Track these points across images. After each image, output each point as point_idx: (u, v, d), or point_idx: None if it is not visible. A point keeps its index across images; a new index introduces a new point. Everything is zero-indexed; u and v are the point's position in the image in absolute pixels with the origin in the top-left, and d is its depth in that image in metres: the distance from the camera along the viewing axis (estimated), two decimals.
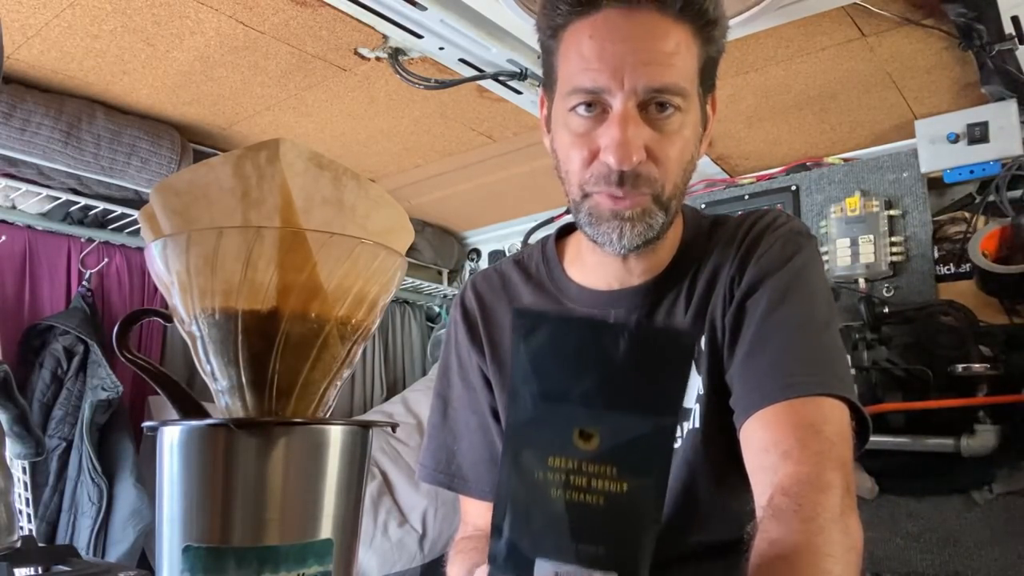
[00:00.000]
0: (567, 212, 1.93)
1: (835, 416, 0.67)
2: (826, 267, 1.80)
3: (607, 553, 0.38)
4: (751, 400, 0.69)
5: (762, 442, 0.66)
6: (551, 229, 0.98)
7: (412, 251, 2.45)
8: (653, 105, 0.69)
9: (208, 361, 0.44)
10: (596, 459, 0.38)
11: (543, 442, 0.38)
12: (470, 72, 1.46)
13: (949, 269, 1.71)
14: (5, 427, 0.69)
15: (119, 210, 1.82)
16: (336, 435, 0.42)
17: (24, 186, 1.65)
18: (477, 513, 0.89)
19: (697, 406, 0.78)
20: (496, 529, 0.39)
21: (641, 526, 0.38)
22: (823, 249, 1.82)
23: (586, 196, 0.73)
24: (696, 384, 0.79)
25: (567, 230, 0.92)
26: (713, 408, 0.77)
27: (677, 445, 0.79)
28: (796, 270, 0.75)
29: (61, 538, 1.62)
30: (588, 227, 0.75)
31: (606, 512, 0.38)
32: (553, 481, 0.38)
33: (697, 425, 0.78)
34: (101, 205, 1.79)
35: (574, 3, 0.70)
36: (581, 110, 0.71)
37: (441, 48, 1.37)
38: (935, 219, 1.74)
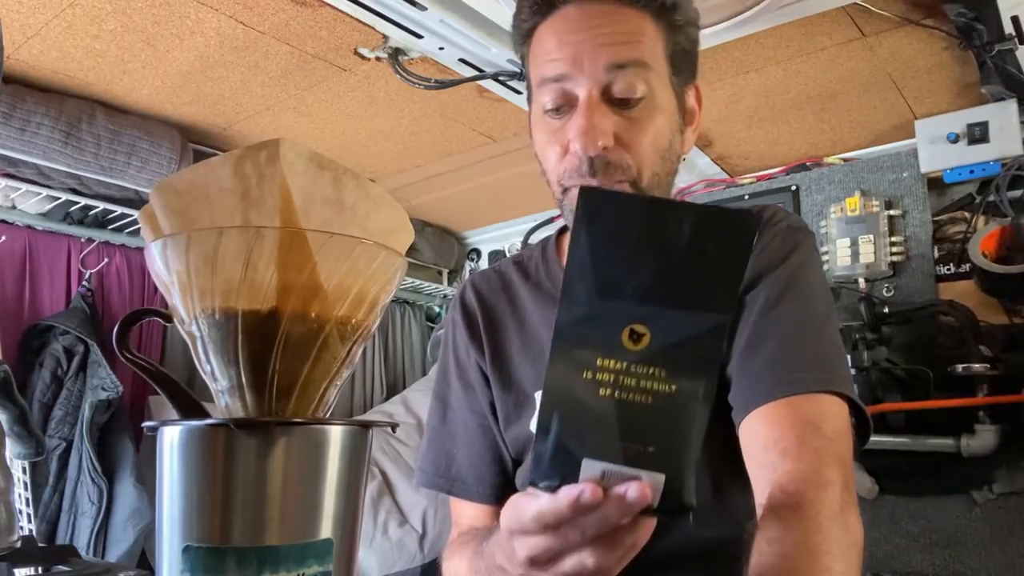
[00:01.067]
0: None
1: (834, 413, 0.67)
2: (826, 267, 1.80)
3: (654, 453, 0.38)
4: (750, 396, 0.69)
5: (761, 439, 0.66)
6: (551, 229, 0.98)
7: (412, 251, 2.45)
8: (618, 92, 0.70)
9: (208, 361, 0.44)
10: (646, 360, 0.38)
11: (593, 342, 0.38)
12: (470, 72, 1.46)
13: (949, 269, 1.71)
14: (5, 427, 0.69)
15: (119, 210, 1.82)
16: (336, 435, 0.42)
17: (24, 186, 1.65)
18: (473, 516, 0.88)
19: None
20: (543, 429, 0.39)
21: (689, 427, 0.38)
22: (823, 249, 1.82)
23: (565, 191, 0.75)
24: None
25: (568, 228, 0.92)
26: (713, 402, 0.77)
27: None
28: (795, 266, 0.75)
29: (61, 538, 1.62)
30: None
31: (654, 412, 0.37)
32: (602, 381, 0.38)
33: None
34: (101, 205, 1.79)
35: (533, 6, 0.74)
36: (551, 107, 0.72)
37: (441, 48, 1.37)
38: (935, 219, 1.74)
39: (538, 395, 0.83)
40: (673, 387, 0.37)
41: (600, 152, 0.69)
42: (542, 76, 0.72)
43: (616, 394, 0.38)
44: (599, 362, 0.38)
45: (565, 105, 0.72)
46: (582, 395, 0.38)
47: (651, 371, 0.38)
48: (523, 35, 0.77)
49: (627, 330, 0.38)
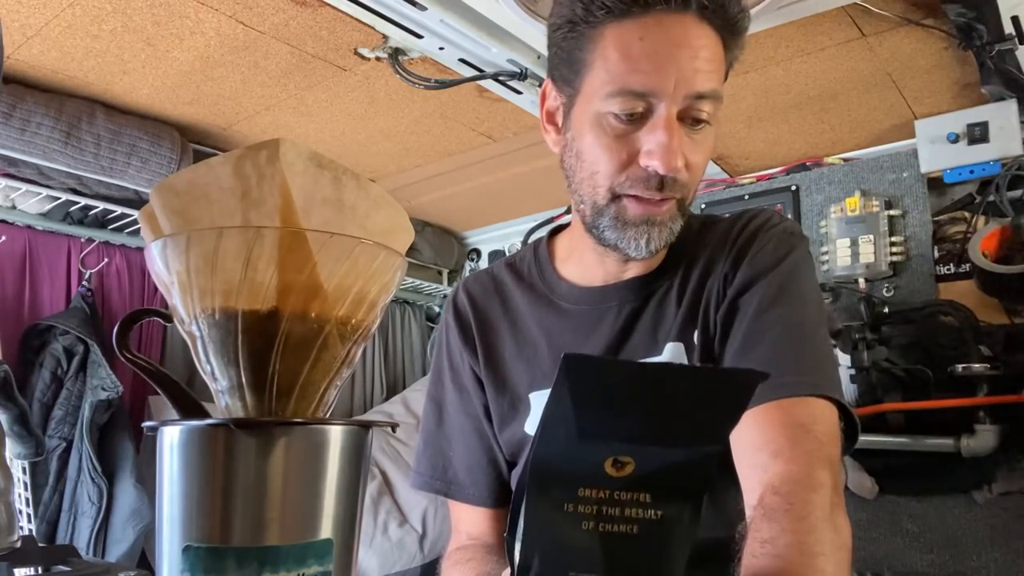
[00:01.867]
0: (567, 212, 1.92)
1: (824, 416, 0.68)
2: (826, 267, 1.80)
3: None
4: None
5: (753, 440, 0.67)
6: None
7: (412, 251, 2.45)
8: (689, 114, 0.70)
9: (208, 361, 0.44)
10: (629, 486, 0.36)
11: (574, 474, 0.36)
12: (470, 72, 1.46)
13: (949, 269, 1.71)
14: (5, 427, 0.69)
15: (119, 210, 1.82)
16: (336, 435, 0.42)
17: (24, 186, 1.65)
18: (471, 521, 0.88)
19: None
20: (524, 569, 0.37)
21: (677, 551, 0.36)
22: (823, 249, 1.82)
23: (615, 198, 0.73)
24: None
25: (559, 230, 0.92)
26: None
27: None
28: (789, 271, 0.76)
29: (61, 538, 1.62)
30: (610, 230, 0.74)
31: (639, 541, 0.36)
32: (584, 513, 0.36)
33: None
34: (101, 205, 1.79)
35: (620, 2, 0.68)
36: (622, 112, 0.69)
37: (441, 48, 1.37)
38: (935, 219, 1.74)
39: (532, 396, 0.84)
40: (659, 513, 0.36)
41: (677, 172, 0.70)
42: (623, 85, 0.68)
43: (600, 526, 0.36)
44: (580, 492, 0.36)
45: (636, 113, 0.69)
46: (563, 530, 0.36)
47: (636, 497, 0.36)
48: (592, 21, 0.70)
49: (610, 459, 0.36)
